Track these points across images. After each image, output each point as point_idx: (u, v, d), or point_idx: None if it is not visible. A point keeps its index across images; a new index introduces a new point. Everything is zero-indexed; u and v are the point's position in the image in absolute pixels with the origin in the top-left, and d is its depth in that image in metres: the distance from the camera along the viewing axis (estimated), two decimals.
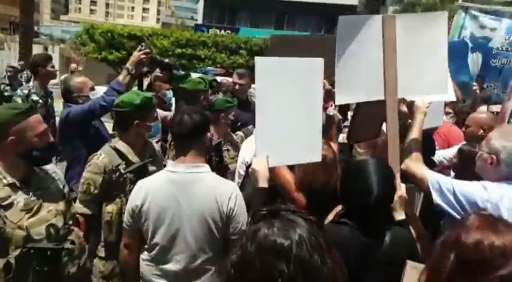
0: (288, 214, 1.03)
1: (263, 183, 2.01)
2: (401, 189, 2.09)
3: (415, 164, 2.18)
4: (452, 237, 1.21)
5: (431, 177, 2.10)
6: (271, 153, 2.03)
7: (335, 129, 2.81)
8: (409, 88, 2.19)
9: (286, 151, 2.11)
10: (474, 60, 7.07)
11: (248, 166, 3.25)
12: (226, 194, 2.12)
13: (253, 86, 5.48)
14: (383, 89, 2.15)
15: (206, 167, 2.20)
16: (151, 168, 2.65)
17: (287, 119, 2.06)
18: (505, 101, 4.36)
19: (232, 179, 3.62)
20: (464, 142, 3.61)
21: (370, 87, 2.18)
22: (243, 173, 3.33)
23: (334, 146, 2.65)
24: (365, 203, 1.81)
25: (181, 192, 2.12)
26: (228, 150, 3.77)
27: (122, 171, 2.57)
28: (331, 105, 2.67)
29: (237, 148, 3.82)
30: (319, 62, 2.10)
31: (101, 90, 3.69)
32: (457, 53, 6.22)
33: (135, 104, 2.56)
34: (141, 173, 2.50)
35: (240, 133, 4.08)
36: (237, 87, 4.56)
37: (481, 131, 3.49)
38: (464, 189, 2.00)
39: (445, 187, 2.03)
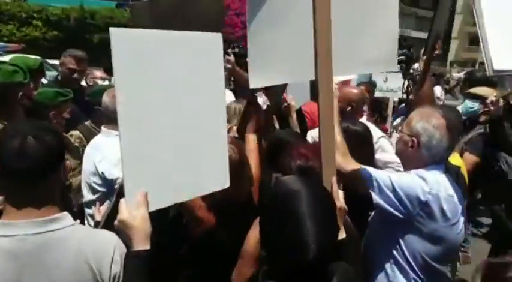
0: None
1: (142, 243, 1.27)
2: (339, 199, 1.66)
3: (344, 159, 1.83)
4: None
5: (367, 174, 1.80)
6: (151, 190, 1.29)
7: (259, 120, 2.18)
8: (348, 64, 1.72)
9: (173, 183, 1.37)
10: None
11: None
12: (106, 253, 1.33)
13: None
14: (312, 66, 1.62)
15: (67, 218, 1.35)
16: None
17: (170, 130, 1.35)
18: None
19: (78, 200, 2.71)
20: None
21: (294, 65, 1.63)
22: (99, 188, 2.46)
23: (252, 137, 2.06)
24: (299, 262, 1.21)
25: (30, 268, 1.25)
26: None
27: None
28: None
29: (77, 155, 2.87)
30: (216, 40, 1.44)
31: None
32: None
33: None
34: None
35: (75, 133, 3.08)
36: (75, 75, 3.48)
37: (349, 108, 3.39)
38: (403, 184, 1.77)
39: (382, 183, 1.77)
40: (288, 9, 1.58)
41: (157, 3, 1.87)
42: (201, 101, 1.42)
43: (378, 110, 4.64)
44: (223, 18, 2.12)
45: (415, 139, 1.85)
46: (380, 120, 4.54)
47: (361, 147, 2.82)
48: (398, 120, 4.75)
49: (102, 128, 2.69)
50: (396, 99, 5.05)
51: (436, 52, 2.39)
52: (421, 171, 1.83)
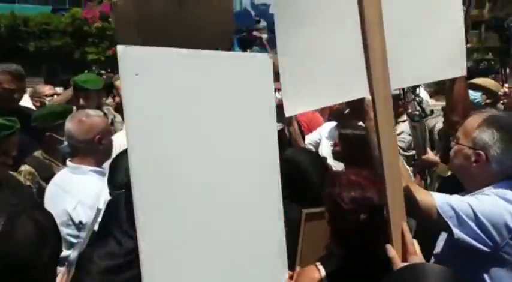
0: None
1: None
2: (417, 252, 1.24)
3: (410, 186, 1.45)
4: None
5: (442, 202, 1.45)
6: None
7: None
8: (409, 72, 1.36)
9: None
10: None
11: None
12: None
13: None
14: (363, 82, 1.23)
15: None
16: None
17: (203, 198, 0.91)
18: None
19: None
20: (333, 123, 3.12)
21: (339, 81, 1.22)
22: (76, 240, 1.90)
23: None
24: None
25: None
26: None
27: None
28: None
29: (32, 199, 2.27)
30: (264, 63, 1.02)
31: None
32: (244, 23, 5.89)
33: None
34: None
35: (25, 168, 2.49)
36: (14, 95, 2.86)
37: (348, 110, 3.01)
38: (487, 210, 1.44)
39: (462, 212, 1.43)
40: (325, 9, 1.18)
41: (148, 5, 1.35)
42: (246, 152, 0.98)
43: None
44: (232, 29, 1.67)
45: (481, 152, 1.51)
46: None
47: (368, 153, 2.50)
48: None
49: (68, 162, 2.15)
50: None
51: (468, 45, 2.02)
52: (500, 191, 1.50)
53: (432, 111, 3.64)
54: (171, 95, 0.83)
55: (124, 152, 1.70)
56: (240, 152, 0.96)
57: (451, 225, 1.42)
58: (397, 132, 4.08)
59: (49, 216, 1.06)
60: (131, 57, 0.77)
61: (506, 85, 3.05)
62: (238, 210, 0.95)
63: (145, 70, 0.78)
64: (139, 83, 0.78)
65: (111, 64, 10.56)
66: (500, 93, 2.99)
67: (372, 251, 1.36)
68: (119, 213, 1.48)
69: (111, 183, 1.56)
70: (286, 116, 1.19)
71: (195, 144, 0.87)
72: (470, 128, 1.56)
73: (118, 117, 3.71)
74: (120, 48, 0.75)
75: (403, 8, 1.29)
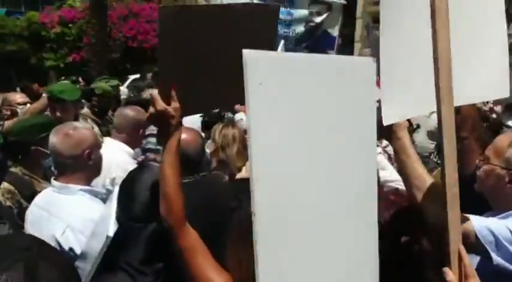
0: None
1: None
2: (476, 278, 1.19)
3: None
4: None
5: (480, 226, 1.39)
6: None
7: None
8: (463, 91, 1.31)
9: None
10: None
11: None
12: None
13: None
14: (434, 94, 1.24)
15: None
16: None
17: (316, 209, 0.94)
18: None
19: None
20: None
21: (423, 95, 1.25)
22: None
23: None
24: None
25: None
26: None
27: None
28: None
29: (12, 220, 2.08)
30: (369, 67, 1.06)
31: None
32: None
33: None
34: None
35: (4, 186, 2.28)
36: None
37: None
38: None
39: (501, 236, 1.38)
40: (421, 36, 1.23)
41: (199, 11, 1.35)
42: (350, 160, 1.03)
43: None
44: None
45: None
46: None
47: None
48: None
49: (53, 181, 1.94)
50: None
51: None
52: None
53: (418, 126, 3.71)
54: (292, 103, 0.86)
55: (137, 172, 1.54)
56: (345, 156, 1.00)
57: (490, 251, 1.36)
58: (383, 144, 4.11)
59: (64, 255, 0.92)
60: (256, 64, 0.78)
61: (491, 101, 3.15)
62: (342, 230, 1.00)
63: (268, 78, 0.81)
64: (262, 93, 0.80)
65: (71, 71, 10.06)
66: (485, 109, 3.09)
67: (412, 274, 1.31)
68: (130, 247, 1.35)
69: (124, 211, 1.40)
70: (385, 124, 1.24)
71: (315, 158, 0.91)
72: (503, 148, 1.54)
73: (96, 129, 3.50)
74: (246, 53, 0.76)
75: (458, 29, 1.27)
